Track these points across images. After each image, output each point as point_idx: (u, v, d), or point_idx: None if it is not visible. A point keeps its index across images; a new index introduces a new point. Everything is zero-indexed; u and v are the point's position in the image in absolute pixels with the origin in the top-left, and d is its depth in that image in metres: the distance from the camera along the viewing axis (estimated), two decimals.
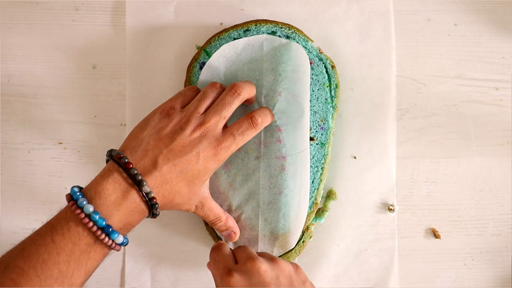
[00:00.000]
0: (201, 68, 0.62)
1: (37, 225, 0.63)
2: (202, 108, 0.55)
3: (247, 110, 0.60)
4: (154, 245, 0.65)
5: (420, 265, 0.65)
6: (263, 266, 0.50)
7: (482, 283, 0.66)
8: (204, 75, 0.61)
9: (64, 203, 0.64)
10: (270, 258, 0.52)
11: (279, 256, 0.61)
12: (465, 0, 0.67)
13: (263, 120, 0.56)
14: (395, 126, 0.65)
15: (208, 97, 0.55)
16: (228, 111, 0.55)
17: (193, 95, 0.57)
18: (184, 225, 0.65)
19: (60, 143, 0.65)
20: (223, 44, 0.62)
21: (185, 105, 0.56)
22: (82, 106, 0.65)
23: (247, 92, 0.56)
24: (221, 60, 0.61)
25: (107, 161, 0.53)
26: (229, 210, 0.60)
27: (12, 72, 0.65)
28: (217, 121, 0.54)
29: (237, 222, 0.60)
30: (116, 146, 0.65)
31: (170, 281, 0.64)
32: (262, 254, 0.53)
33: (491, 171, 0.66)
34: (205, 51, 0.62)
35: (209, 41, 0.62)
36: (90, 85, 0.66)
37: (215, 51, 0.61)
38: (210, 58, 0.61)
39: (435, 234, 0.65)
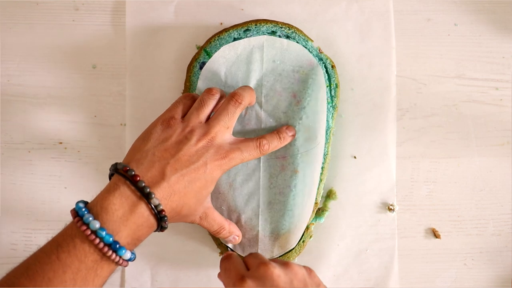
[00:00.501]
0: (201, 68, 0.62)
1: (37, 225, 0.64)
2: (203, 117, 0.54)
3: (247, 111, 0.60)
4: (154, 245, 0.65)
5: (420, 265, 0.65)
6: (276, 271, 0.49)
7: (482, 283, 0.66)
8: (205, 76, 0.61)
9: (63, 202, 0.65)
10: (283, 263, 0.51)
11: (279, 256, 0.61)
12: (465, 0, 0.67)
13: (270, 147, 0.57)
14: (395, 126, 0.65)
15: (206, 104, 0.55)
16: (231, 121, 0.55)
17: (191, 103, 0.56)
18: (183, 225, 0.65)
19: (60, 143, 0.65)
20: (223, 44, 0.62)
21: (184, 114, 0.55)
22: (82, 106, 0.65)
23: (248, 99, 0.56)
24: (221, 60, 0.61)
25: (111, 175, 0.52)
26: (229, 210, 0.60)
27: (12, 72, 0.65)
28: (221, 131, 0.54)
29: (237, 222, 0.60)
30: (116, 146, 0.65)
31: (170, 281, 0.64)
32: (274, 260, 0.52)
33: (491, 171, 0.66)
34: (205, 51, 0.62)
35: (209, 41, 0.62)
36: (90, 85, 0.65)
37: (215, 51, 0.61)
38: (211, 59, 0.61)
39: (435, 234, 0.65)
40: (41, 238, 0.64)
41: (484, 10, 0.67)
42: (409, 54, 0.66)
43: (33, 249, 0.63)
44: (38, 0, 0.66)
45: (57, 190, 0.65)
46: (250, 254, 0.54)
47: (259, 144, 0.56)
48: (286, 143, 0.59)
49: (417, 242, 0.66)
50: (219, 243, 0.62)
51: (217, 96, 0.56)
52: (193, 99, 0.57)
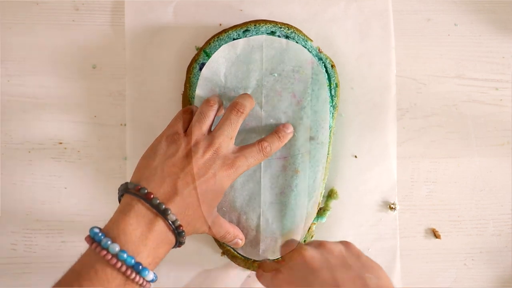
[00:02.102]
0: (200, 69, 0.62)
1: (37, 225, 0.64)
2: (205, 128, 0.55)
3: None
4: None
5: (420, 265, 0.65)
6: (308, 253, 0.48)
7: (482, 283, 0.66)
8: (205, 76, 0.60)
9: (63, 203, 0.65)
10: (317, 244, 0.51)
11: (281, 257, 0.61)
12: (465, 0, 0.67)
13: (271, 148, 0.57)
14: (395, 125, 0.65)
15: (206, 116, 0.55)
16: (234, 131, 0.55)
17: (190, 117, 0.57)
18: None
19: (60, 143, 0.65)
20: (222, 45, 0.61)
21: (186, 128, 0.55)
22: (82, 106, 0.65)
23: (249, 108, 0.57)
24: (221, 60, 0.61)
25: (121, 196, 0.51)
26: (230, 211, 0.60)
27: (12, 72, 0.65)
28: (225, 141, 0.54)
29: (238, 223, 0.60)
30: (116, 146, 0.65)
31: (172, 282, 0.64)
32: (309, 243, 0.52)
33: (491, 171, 0.66)
34: (204, 52, 0.62)
35: (208, 42, 0.62)
36: (90, 85, 0.65)
37: (215, 52, 0.61)
38: (210, 59, 0.61)
39: (435, 234, 0.65)
40: (41, 238, 0.64)
41: (484, 10, 0.67)
42: (409, 54, 0.66)
43: (33, 249, 0.64)
44: (38, 0, 0.66)
45: (57, 190, 0.65)
46: (286, 242, 0.54)
47: (261, 147, 0.56)
48: (286, 141, 0.59)
49: (417, 242, 0.66)
50: (221, 243, 0.62)
51: (216, 106, 0.56)
52: (192, 112, 0.57)
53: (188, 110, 0.57)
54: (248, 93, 0.60)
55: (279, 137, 0.58)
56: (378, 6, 0.66)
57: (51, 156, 0.65)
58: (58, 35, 0.66)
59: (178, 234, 0.50)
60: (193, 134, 0.54)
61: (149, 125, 0.64)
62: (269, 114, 0.60)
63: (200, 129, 0.54)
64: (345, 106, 0.65)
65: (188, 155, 0.52)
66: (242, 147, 0.56)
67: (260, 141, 0.57)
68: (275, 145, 0.57)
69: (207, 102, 0.56)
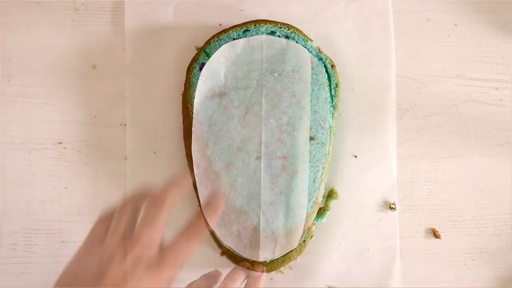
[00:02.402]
0: (200, 69, 0.62)
1: (37, 225, 0.64)
2: (120, 234, 0.46)
3: (248, 111, 0.60)
4: None
5: (420, 265, 0.65)
6: None
7: (482, 283, 0.66)
8: (205, 76, 0.61)
9: (63, 202, 0.65)
10: None
11: (281, 257, 0.61)
12: (465, 0, 0.67)
13: (202, 230, 0.48)
14: (395, 125, 0.65)
15: (122, 218, 0.47)
16: (157, 228, 0.46)
17: (107, 226, 0.47)
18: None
19: (60, 143, 0.65)
20: (222, 45, 0.62)
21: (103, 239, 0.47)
22: (82, 106, 0.65)
23: (174, 194, 0.48)
24: (221, 60, 0.61)
25: None
26: (230, 212, 0.60)
27: (12, 72, 0.65)
28: (149, 240, 0.45)
29: (238, 223, 0.60)
30: (116, 146, 0.65)
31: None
32: None
33: (491, 171, 0.66)
34: (204, 52, 0.62)
35: (208, 42, 0.62)
36: (90, 85, 0.65)
37: (215, 52, 0.61)
38: (210, 59, 0.61)
39: (435, 234, 0.65)
40: (41, 238, 0.64)
41: (484, 10, 0.67)
42: (409, 54, 0.66)
43: (33, 249, 0.64)
44: (38, 0, 0.66)
45: (57, 190, 0.65)
46: None
47: (190, 231, 0.48)
48: (215, 214, 0.50)
49: (417, 242, 0.66)
50: (220, 243, 0.62)
51: (133, 205, 0.48)
52: (108, 220, 0.48)
53: (103, 219, 0.48)
54: (248, 92, 0.60)
55: (208, 211, 0.49)
56: (378, 6, 0.66)
57: (51, 156, 0.65)
58: (58, 35, 0.66)
59: None
60: (109, 242, 0.45)
61: (149, 125, 0.64)
62: (269, 114, 0.60)
63: (115, 235, 0.46)
64: (345, 106, 0.65)
65: (101, 270, 0.44)
66: (169, 244, 0.47)
67: (186, 226, 0.48)
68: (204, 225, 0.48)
69: (119, 207, 0.48)
